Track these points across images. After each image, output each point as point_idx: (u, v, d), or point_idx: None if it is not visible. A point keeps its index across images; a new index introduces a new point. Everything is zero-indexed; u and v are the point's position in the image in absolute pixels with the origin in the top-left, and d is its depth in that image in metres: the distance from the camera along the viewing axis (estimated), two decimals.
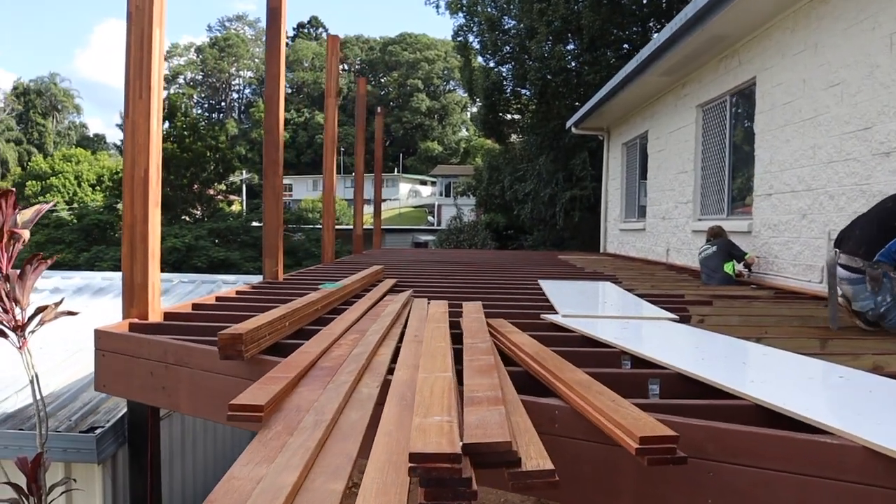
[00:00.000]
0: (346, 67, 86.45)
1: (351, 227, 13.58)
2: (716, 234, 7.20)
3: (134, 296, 4.17)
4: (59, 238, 25.71)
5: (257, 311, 4.18)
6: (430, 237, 41.65)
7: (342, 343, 3.22)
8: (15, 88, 76.99)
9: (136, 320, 4.13)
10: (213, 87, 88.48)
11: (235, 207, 39.27)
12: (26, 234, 3.93)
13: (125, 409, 4.33)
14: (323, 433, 1.93)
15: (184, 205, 30.31)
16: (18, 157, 67.86)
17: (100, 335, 3.85)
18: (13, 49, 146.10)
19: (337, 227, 10.92)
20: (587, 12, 19.02)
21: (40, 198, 42.21)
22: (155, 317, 4.24)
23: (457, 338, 3.20)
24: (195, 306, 4.94)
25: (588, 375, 2.40)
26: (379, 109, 15.39)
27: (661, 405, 2.40)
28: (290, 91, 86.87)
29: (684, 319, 4.43)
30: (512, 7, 22.26)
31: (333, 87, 9.72)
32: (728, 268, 6.86)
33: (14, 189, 3.90)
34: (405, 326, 3.75)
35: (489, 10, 23.32)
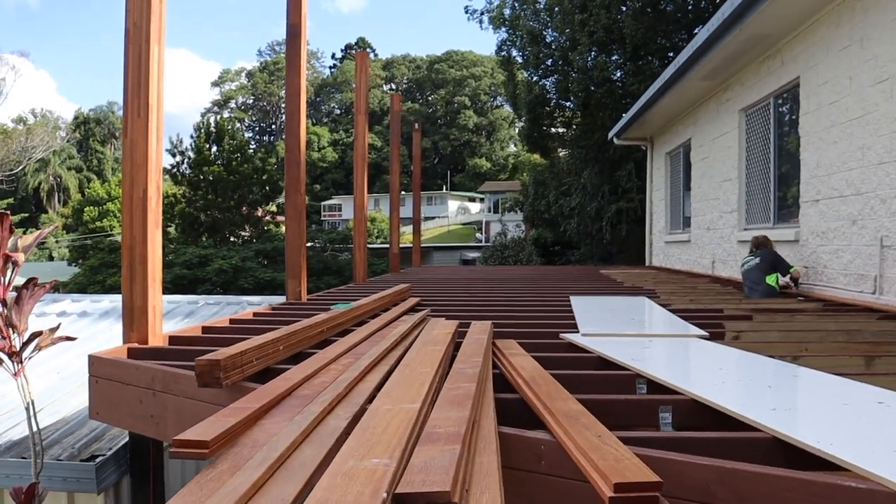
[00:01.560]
0: (395, 87, 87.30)
1: (404, 245, 13.47)
2: (759, 245, 6.81)
3: (133, 319, 4.03)
4: (111, 262, 26.23)
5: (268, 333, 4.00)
6: (478, 254, 41.45)
7: (331, 368, 3.00)
8: (76, 118, 79.83)
9: (135, 345, 3.99)
10: (264, 110, 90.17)
11: (284, 228, 39.66)
12: (21, 258, 3.82)
13: (128, 437, 4.18)
14: (262, 474, 1.70)
15: (231, 226, 30.69)
16: (79, 184, 70.12)
17: (93, 360, 3.71)
18: (75, 80, 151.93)
19: (382, 245, 10.80)
20: (629, 21, 18.63)
21: (97, 223, 43.46)
22: (156, 341, 4.09)
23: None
24: (205, 329, 4.80)
25: (580, 405, 2.13)
26: (416, 126, 15.22)
27: (666, 439, 2.12)
28: (339, 112, 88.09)
29: (717, 336, 4.10)
30: (553, 19, 21.98)
31: (363, 104, 9.60)
32: (771, 280, 6.45)
33: (8, 212, 3.81)
34: (407, 349, 3.51)
35: (531, 23, 23.07)
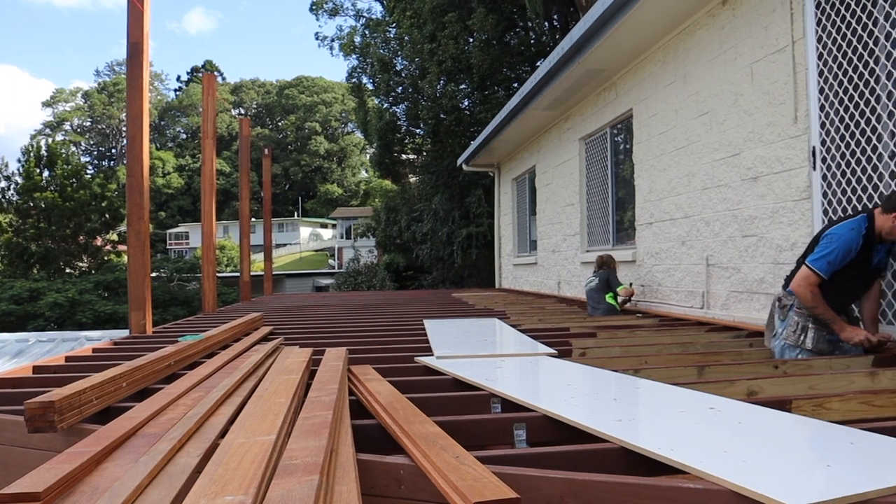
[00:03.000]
0: (244, 111, 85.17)
1: (255, 273, 13.03)
2: (602, 264, 7.18)
3: None
4: None
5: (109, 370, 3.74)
6: (331, 280, 40.99)
7: (180, 403, 2.85)
8: None
9: None
10: (103, 133, 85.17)
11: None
12: None
13: None
14: None
15: (67, 257, 28.66)
16: None
17: None
18: None
19: (233, 273, 10.37)
20: (477, 52, 19.27)
21: None
22: None
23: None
24: (36, 369, 4.43)
25: (438, 427, 2.15)
26: (266, 151, 14.89)
27: (521, 455, 2.18)
28: (185, 136, 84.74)
29: (565, 354, 4.28)
30: (403, 48, 22.33)
31: (210, 128, 9.31)
32: (610, 298, 6.83)
33: None
34: (261, 379, 3.41)
35: (381, 51, 23.32)
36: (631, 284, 7.08)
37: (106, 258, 30.95)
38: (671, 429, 2.30)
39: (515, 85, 20.49)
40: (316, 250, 71.49)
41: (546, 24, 20.52)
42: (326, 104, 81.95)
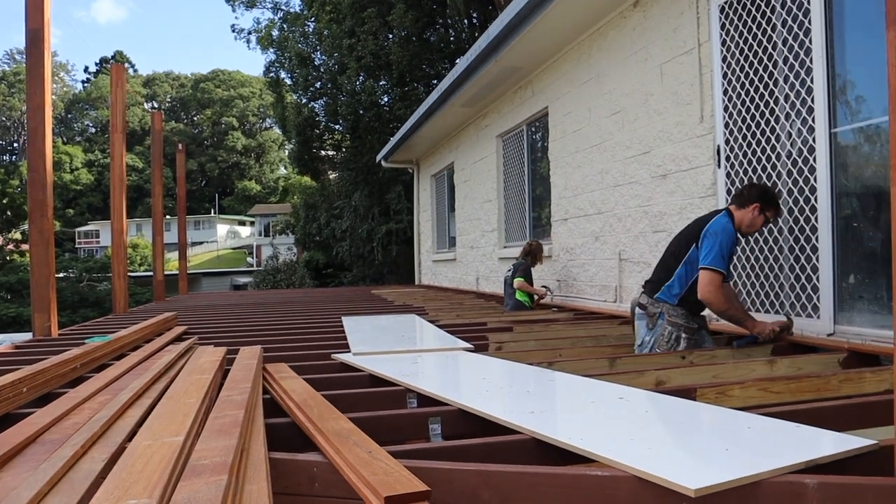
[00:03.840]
0: (157, 105, 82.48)
1: (170, 272, 12.65)
2: (527, 252, 7.23)
3: None
4: None
5: (8, 374, 3.56)
6: (249, 279, 40.23)
7: (86, 407, 2.74)
8: None
9: None
10: (3, 126, 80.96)
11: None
12: None
13: None
14: None
15: None
16: None
17: None
18: None
19: (146, 273, 10.03)
20: (396, 49, 19.24)
21: None
22: None
23: None
24: None
25: (352, 424, 2.14)
26: (180, 146, 14.47)
27: (436, 449, 2.19)
28: (94, 130, 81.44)
29: (481, 348, 4.33)
30: (322, 43, 22.07)
31: (120, 121, 8.97)
32: (520, 294, 6.93)
33: None
34: (173, 380, 3.32)
35: (300, 45, 22.99)
36: (544, 287, 7.18)
37: (8, 258, 29.49)
38: (582, 419, 2.36)
39: (435, 82, 20.56)
40: (234, 248, 69.99)
41: (465, 21, 20.67)
42: (244, 99, 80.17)
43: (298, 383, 2.86)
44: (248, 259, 61.70)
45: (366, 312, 7.15)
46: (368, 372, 3.43)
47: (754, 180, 4.46)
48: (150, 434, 1.91)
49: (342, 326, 5.67)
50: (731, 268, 4.18)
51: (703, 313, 4.11)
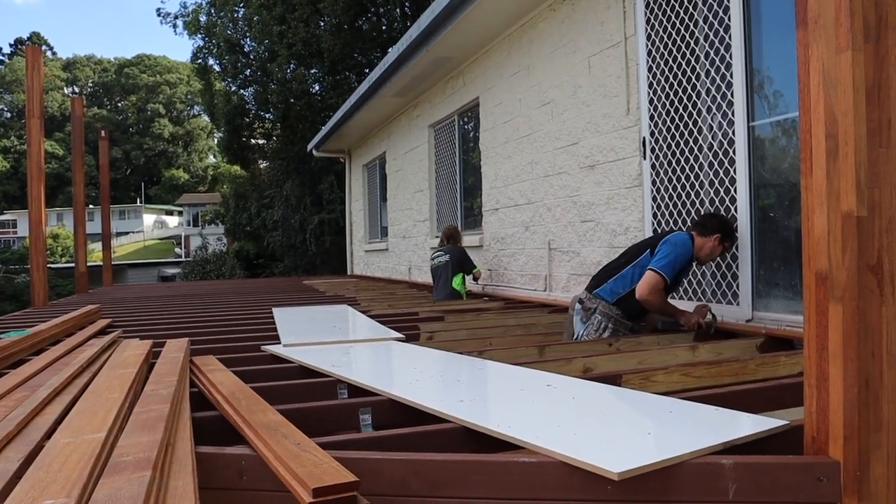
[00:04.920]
0: (78, 90, 79.41)
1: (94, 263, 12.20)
2: (449, 237, 7.24)
3: None
4: None
5: None
6: (177, 270, 39.26)
7: (0, 406, 2.64)
8: None
9: None
10: None
11: None
12: None
13: None
14: None
15: None
16: None
17: None
18: None
19: (68, 264, 9.64)
20: (327, 36, 18.99)
21: None
22: None
23: None
24: None
25: (281, 416, 2.13)
26: (103, 133, 13.99)
27: (366, 439, 2.20)
28: (9, 115, 77.87)
29: (413, 338, 4.34)
30: (252, 29, 21.60)
31: (37, 106, 8.62)
32: (457, 283, 6.95)
33: None
34: (95, 375, 3.22)
35: (228, 31, 22.45)
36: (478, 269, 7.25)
37: None
38: (511, 406, 2.40)
39: (367, 70, 20.39)
40: (161, 238, 68.21)
41: (398, 10, 20.55)
42: (171, 85, 77.93)
43: (227, 376, 2.82)
44: (177, 250, 60.24)
45: (297, 303, 7.08)
46: (299, 363, 3.40)
47: (678, 172, 4.59)
48: (69, 431, 1.86)
49: (273, 318, 5.60)
50: (677, 285, 4.32)
51: (636, 319, 4.26)
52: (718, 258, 4.14)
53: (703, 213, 4.37)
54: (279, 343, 4.03)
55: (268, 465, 1.88)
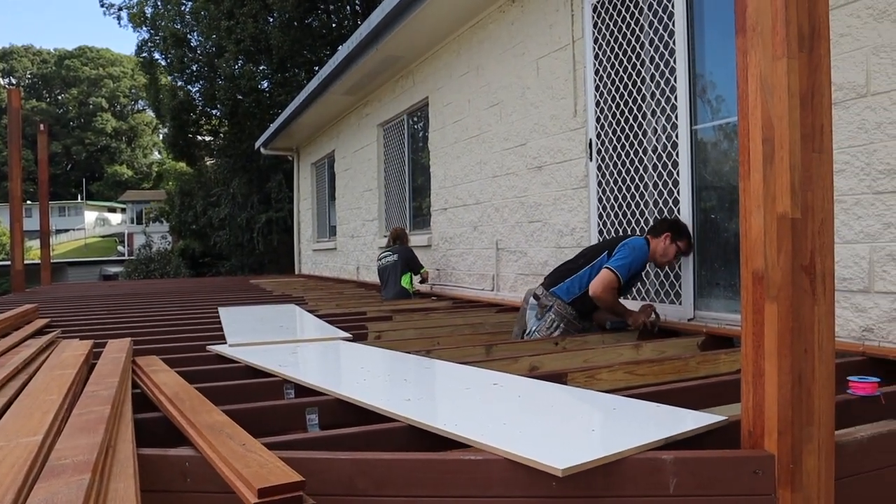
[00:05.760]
0: (14, 81, 76.86)
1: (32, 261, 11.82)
2: (396, 237, 7.26)
3: None
4: None
5: None
6: (120, 268, 38.34)
7: None
8: None
9: None
10: None
11: None
12: None
13: None
14: None
15: None
16: None
17: None
18: None
19: (3, 262, 9.33)
20: (277, 33, 18.77)
21: None
22: None
23: None
24: None
25: (226, 416, 2.10)
26: (42, 126, 13.57)
27: (313, 439, 2.18)
28: None
29: (360, 337, 4.33)
30: (199, 24, 21.21)
31: None
32: (405, 281, 6.96)
33: None
34: (31, 376, 3.13)
35: (175, 25, 22.00)
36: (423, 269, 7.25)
37: None
38: (458, 405, 2.41)
39: (316, 68, 20.21)
40: (103, 236, 66.48)
41: (348, 7, 20.44)
42: (114, 78, 75.94)
43: (171, 376, 2.77)
44: (119, 248, 58.82)
45: (244, 303, 6.99)
46: (245, 363, 3.36)
47: (623, 173, 4.68)
48: (3, 435, 1.80)
49: (219, 317, 5.52)
50: (630, 287, 4.42)
51: (588, 318, 4.34)
52: (677, 263, 4.22)
53: (646, 213, 4.46)
54: (225, 343, 3.98)
55: (212, 467, 1.86)
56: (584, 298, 4.15)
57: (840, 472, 1.78)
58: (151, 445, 2.06)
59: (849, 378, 2.37)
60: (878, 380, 2.36)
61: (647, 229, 4.35)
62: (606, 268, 4.02)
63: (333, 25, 20.63)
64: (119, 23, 28.68)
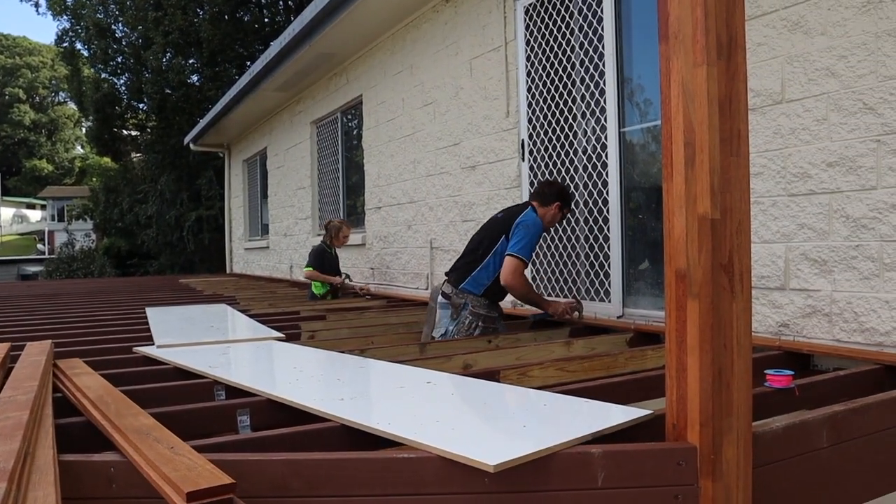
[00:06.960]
0: None
1: None
2: (326, 228, 7.19)
3: None
4: None
5: None
6: (40, 268, 36.88)
7: None
8: None
9: None
10: None
11: None
12: None
13: None
14: None
15: None
16: None
17: None
18: None
19: None
20: (207, 26, 18.38)
21: None
22: None
23: None
24: None
25: (153, 419, 2.06)
26: None
27: (244, 440, 2.16)
28: None
29: (293, 337, 4.29)
30: (125, 14, 20.55)
31: None
32: (316, 288, 6.90)
33: None
34: None
35: (98, 15, 21.27)
36: (345, 275, 7.13)
37: None
38: (391, 404, 2.42)
39: (248, 63, 19.84)
40: (21, 234, 63.92)
41: (280, 2, 20.16)
42: (32, 69, 72.86)
43: (94, 379, 2.70)
44: (39, 246, 56.61)
45: (173, 303, 6.84)
46: (174, 365, 3.30)
47: (554, 174, 4.76)
48: None
49: (146, 318, 5.38)
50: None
51: (500, 302, 4.33)
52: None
53: (577, 213, 4.55)
54: (153, 344, 3.89)
55: (139, 471, 1.82)
56: (495, 287, 4.11)
57: (757, 460, 1.86)
58: (75, 451, 2.00)
59: (766, 371, 2.48)
60: (792, 373, 2.48)
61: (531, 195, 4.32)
62: (509, 255, 3.99)
63: (266, 20, 20.33)
64: (38, 10, 27.52)
